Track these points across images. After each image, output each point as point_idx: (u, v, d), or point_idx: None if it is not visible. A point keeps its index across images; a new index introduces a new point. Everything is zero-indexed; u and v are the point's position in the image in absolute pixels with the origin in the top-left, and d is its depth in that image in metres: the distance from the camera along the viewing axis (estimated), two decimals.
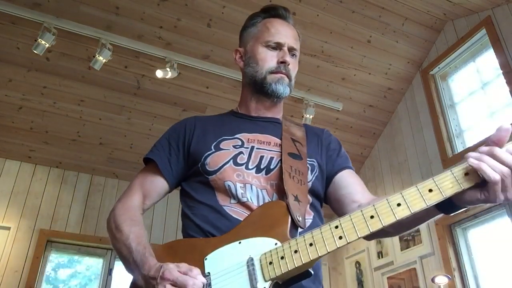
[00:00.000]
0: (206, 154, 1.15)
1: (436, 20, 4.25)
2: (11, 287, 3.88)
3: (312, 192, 1.15)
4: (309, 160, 1.19)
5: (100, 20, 3.70)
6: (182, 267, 0.91)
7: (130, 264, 1.00)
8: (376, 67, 4.50)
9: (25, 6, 3.50)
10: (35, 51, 3.47)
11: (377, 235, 1.03)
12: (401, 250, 4.34)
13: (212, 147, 1.16)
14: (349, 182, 1.20)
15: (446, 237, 3.86)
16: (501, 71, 3.70)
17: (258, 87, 1.25)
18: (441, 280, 3.57)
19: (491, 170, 0.76)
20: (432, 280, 3.65)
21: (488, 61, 4.01)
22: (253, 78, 1.25)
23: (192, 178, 1.18)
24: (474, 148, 4.11)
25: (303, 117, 4.38)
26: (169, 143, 1.23)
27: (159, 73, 3.89)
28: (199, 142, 1.19)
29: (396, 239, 4.41)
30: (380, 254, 4.63)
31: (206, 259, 0.98)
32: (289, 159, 1.13)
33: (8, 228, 4.06)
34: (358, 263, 4.96)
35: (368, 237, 1.05)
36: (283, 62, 1.23)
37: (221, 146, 1.17)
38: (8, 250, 3.99)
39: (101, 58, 3.64)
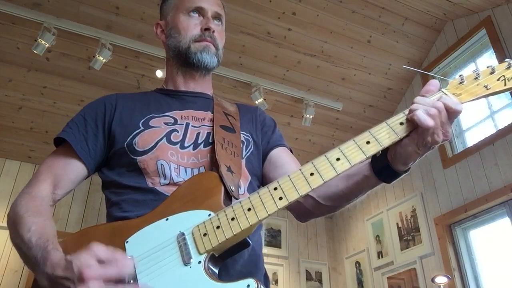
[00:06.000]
0: (134, 132, 1.03)
1: (436, 20, 4.25)
2: (11, 287, 3.88)
3: (250, 169, 1.07)
4: (243, 134, 1.12)
5: (100, 20, 3.70)
6: (99, 252, 0.75)
7: (31, 263, 0.83)
8: (376, 67, 4.50)
9: (25, 6, 3.50)
10: (35, 51, 3.47)
11: (317, 210, 1.03)
12: (401, 250, 4.34)
13: (141, 125, 1.04)
14: (285, 161, 1.13)
15: (446, 237, 3.86)
16: None
17: (182, 59, 1.15)
18: (441, 280, 3.57)
19: (426, 116, 0.78)
20: (432, 280, 3.65)
21: (488, 61, 4.01)
22: (176, 49, 1.15)
23: (115, 162, 1.04)
24: (474, 148, 4.06)
25: (303, 117, 4.38)
26: (85, 119, 1.07)
27: (159, 73, 3.89)
28: (122, 120, 1.06)
29: (396, 239, 4.42)
30: (380, 254, 4.62)
31: (127, 242, 0.85)
32: (221, 131, 1.06)
33: None
34: (358, 263, 4.96)
35: (306, 215, 1.06)
36: (208, 29, 1.14)
37: (151, 123, 1.05)
38: (8, 250, 3.99)
39: (101, 58, 3.64)
